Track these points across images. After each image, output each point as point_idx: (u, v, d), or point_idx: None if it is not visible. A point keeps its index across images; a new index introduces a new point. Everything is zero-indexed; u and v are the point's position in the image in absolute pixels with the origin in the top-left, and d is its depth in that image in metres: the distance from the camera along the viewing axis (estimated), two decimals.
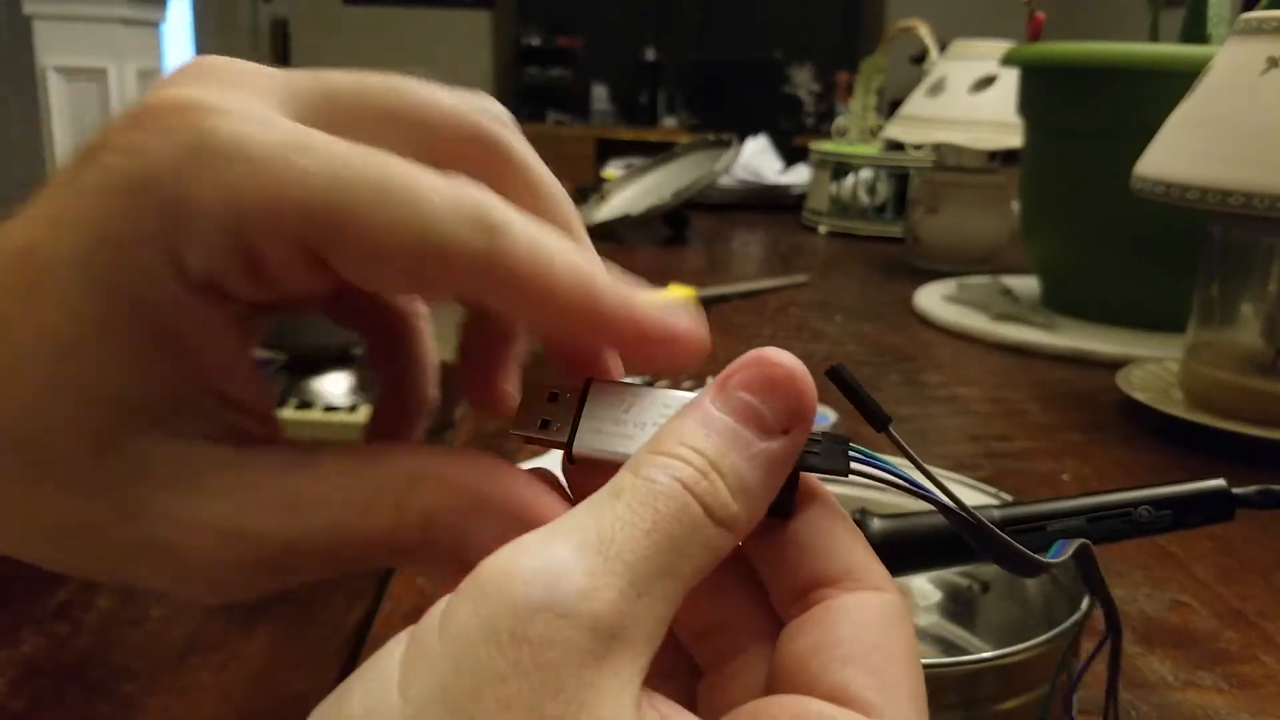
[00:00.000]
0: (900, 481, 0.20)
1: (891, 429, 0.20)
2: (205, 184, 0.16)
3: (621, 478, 0.17)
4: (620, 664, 0.15)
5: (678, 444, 0.17)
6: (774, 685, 0.18)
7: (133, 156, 0.16)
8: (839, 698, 0.16)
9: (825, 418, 0.58)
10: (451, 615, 0.15)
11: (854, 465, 0.19)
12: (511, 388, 0.22)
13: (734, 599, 0.19)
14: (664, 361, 0.19)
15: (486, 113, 0.20)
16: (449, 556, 0.18)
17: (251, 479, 0.18)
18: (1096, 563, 0.24)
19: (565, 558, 0.15)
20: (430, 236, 0.16)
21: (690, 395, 0.18)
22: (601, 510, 0.16)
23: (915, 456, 0.20)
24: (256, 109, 0.17)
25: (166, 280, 0.16)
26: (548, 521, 0.16)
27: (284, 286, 0.17)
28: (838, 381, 0.20)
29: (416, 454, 0.19)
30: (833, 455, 0.19)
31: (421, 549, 0.18)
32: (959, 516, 0.21)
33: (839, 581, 0.18)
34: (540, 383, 0.20)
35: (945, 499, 0.20)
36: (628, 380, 0.20)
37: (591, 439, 0.19)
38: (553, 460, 0.20)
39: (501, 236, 0.17)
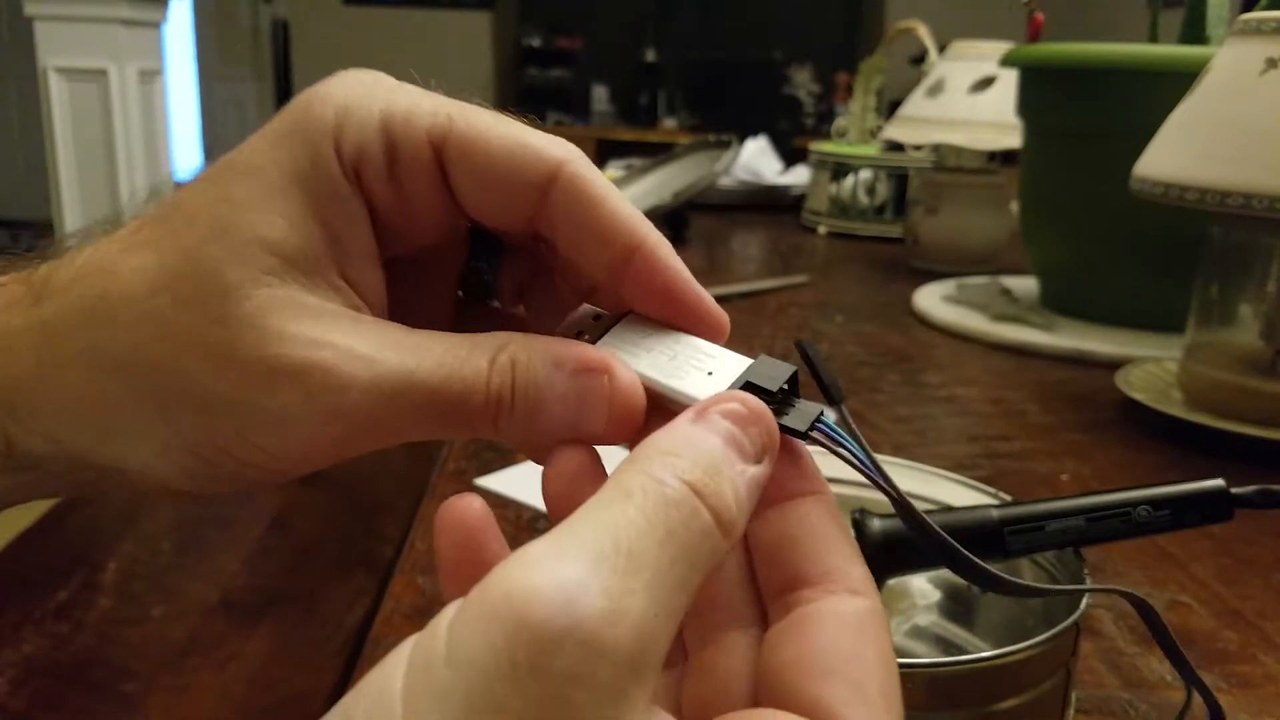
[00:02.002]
0: (855, 460, 0.20)
1: (844, 407, 0.21)
2: (368, 98, 0.21)
3: (629, 477, 0.16)
4: (641, 693, 0.14)
5: (681, 446, 0.17)
6: (757, 695, 0.18)
7: (318, 88, 0.21)
8: (816, 712, 0.17)
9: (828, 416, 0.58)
10: (460, 639, 0.14)
11: (815, 435, 0.20)
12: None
13: (718, 583, 0.20)
14: (681, 318, 0.22)
15: (557, 143, 0.22)
16: (527, 409, 0.20)
17: (374, 327, 0.21)
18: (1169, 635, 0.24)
19: (583, 575, 0.14)
20: (526, 140, 0.21)
21: (703, 342, 0.21)
22: (613, 514, 0.16)
23: (863, 441, 0.21)
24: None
25: (329, 161, 0.20)
26: (611, 370, 0.20)
27: (408, 197, 0.21)
28: (801, 354, 0.22)
29: (507, 332, 0.21)
30: (800, 419, 0.20)
31: (506, 401, 0.20)
32: (902, 507, 0.21)
33: (818, 582, 0.19)
34: (591, 307, 0.23)
35: (892, 491, 0.21)
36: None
37: (606, 348, 0.22)
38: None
39: (578, 163, 0.21)
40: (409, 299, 0.24)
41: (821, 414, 0.21)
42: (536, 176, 0.21)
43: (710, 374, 0.21)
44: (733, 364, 0.21)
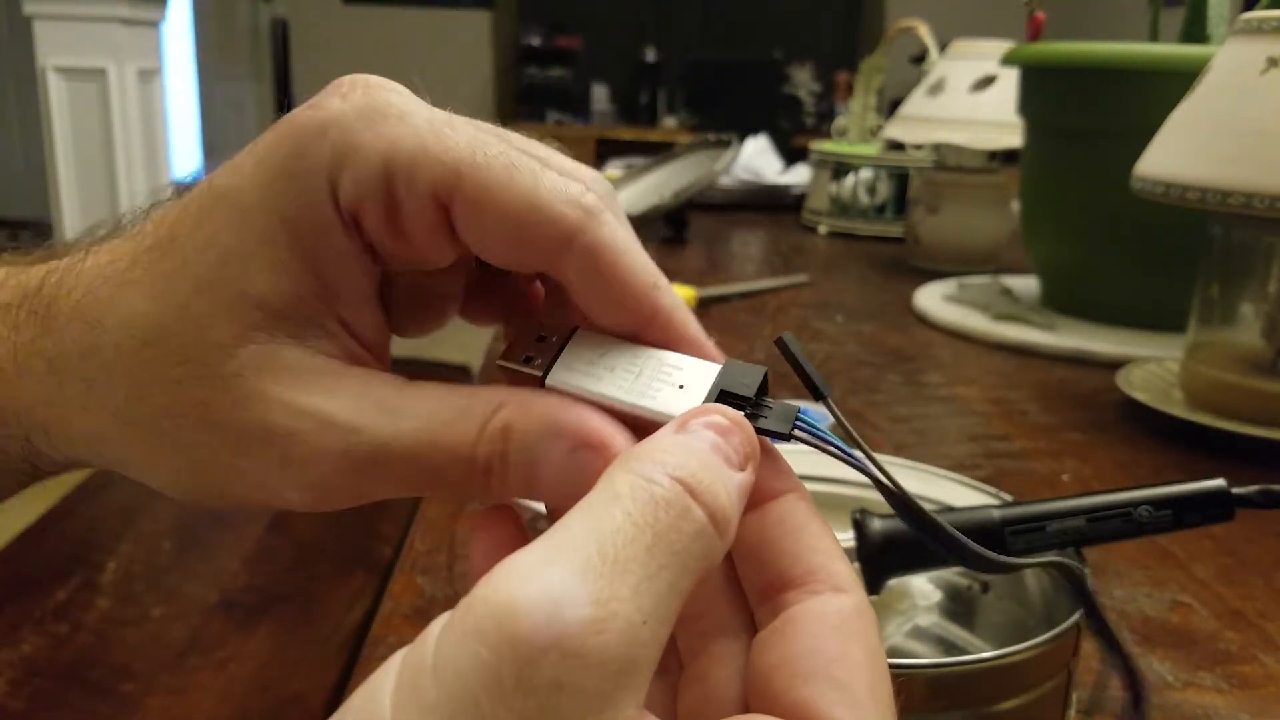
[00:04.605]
0: (837, 453, 0.20)
1: (830, 401, 0.21)
2: (369, 134, 0.19)
3: (618, 478, 0.16)
4: (629, 699, 0.14)
5: (670, 446, 0.17)
6: (747, 700, 0.18)
7: (315, 110, 0.20)
8: (802, 715, 0.17)
9: (822, 418, 0.58)
10: (447, 652, 0.14)
11: (798, 434, 0.20)
12: None
13: (706, 591, 0.20)
14: None
15: (574, 204, 0.21)
16: (521, 479, 0.20)
17: (357, 386, 0.20)
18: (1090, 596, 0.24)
19: (568, 584, 0.14)
20: (540, 203, 0.20)
21: (664, 353, 0.21)
22: (600, 520, 0.15)
23: (852, 430, 0.21)
24: (419, 100, 0.21)
25: (323, 205, 0.20)
26: (611, 449, 0.19)
27: (412, 242, 0.20)
28: (782, 351, 0.21)
29: (503, 388, 0.21)
30: (780, 420, 0.20)
31: (498, 469, 0.20)
32: (893, 495, 0.21)
33: (802, 583, 0.19)
34: (530, 323, 0.22)
35: (881, 476, 0.21)
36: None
37: (565, 375, 0.21)
38: None
39: (595, 218, 0.20)
40: (407, 324, 0.23)
41: (800, 412, 0.20)
42: (549, 244, 0.20)
43: (682, 387, 0.20)
44: (702, 373, 0.21)
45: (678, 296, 0.21)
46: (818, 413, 0.21)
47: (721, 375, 0.21)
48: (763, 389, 0.21)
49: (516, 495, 0.20)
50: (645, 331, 0.21)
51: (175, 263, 0.20)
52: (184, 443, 0.20)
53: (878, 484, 0.21)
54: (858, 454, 0.21)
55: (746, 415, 0.19)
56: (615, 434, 0.20)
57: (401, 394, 0.20)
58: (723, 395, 0.20)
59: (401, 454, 0.19)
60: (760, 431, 0.19)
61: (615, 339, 0.21)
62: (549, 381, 0.21)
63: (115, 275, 0.21)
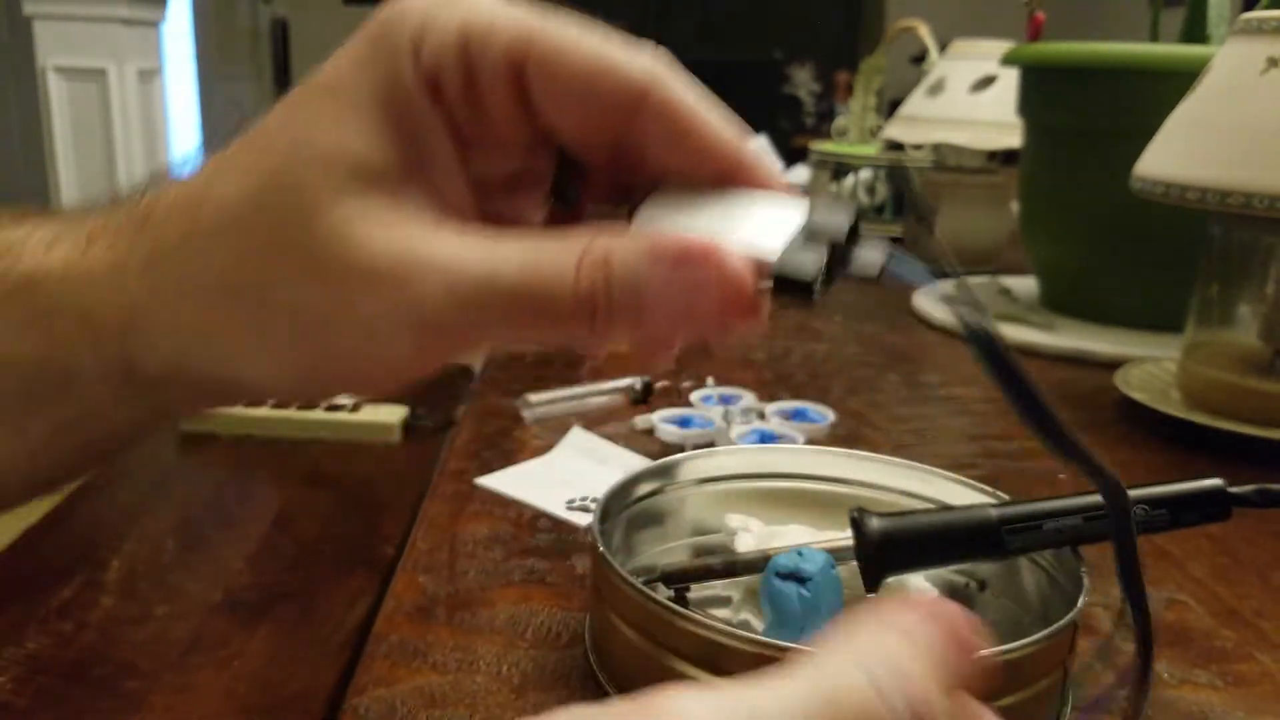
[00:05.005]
0: (924, 280, 0.20)
1: (934, 222, 0.21)
2: (447, 10, 0.21)
3: (816, 661, 0.15)
4: None
5: (882, 645, 0.16)
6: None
7: (398, 2, 0.22)
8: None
9: (824, 417, 0.58)
10: None
11: (890, 271, 0.20)
12: None
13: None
14: None
15: (644, 62, 0.22)
16: (626, 307, 0.20)
17: (456, 232, 0.21)
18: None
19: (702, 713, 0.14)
20: (611, 59, 0.21)
21: (751, 191, 0.20)
22: (766, 688, 0.14)
23: (949, 262, 0.21)
24: None
25: (407, 75, 0.21)
26: (715, 253, 0.19)
27: (489, 113, 0.21)
28: (898, 181, 0.22)
29: (598, 227, 0.21)
30: (871, 258, 0.20)
31: (602, 299, 0.20)
32: (979, 339, 0.21)
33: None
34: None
35: (977, 324, 0.21)
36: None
37: (654, 213, 0.21)
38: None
39: (666, 73, 0.21)
40: (496, 218, 0.23)
41: (891, 255, 0.20)
42: (623, 98, 0.21)
43: (771, 222, 0.20)
44: (791, 209, 0.20)
45: (761, 141, 0.22)
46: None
47: (813, 210, 0.20)
48: (854, 230, 0.20)
49: (623, 327, 0.20)
50: (732, 178, 0.21)
51: (266, 142, 0.21)
52: (286, 305, 0.20)
53: (968, 328, 0.21)
54: (951, 289, 0.20)
55: (839, 252, 0.19)
56: (718, 245, 0.20)
57: (500, 236, 0.21)
58: (811, 230, 0.20)
59: (506, 289, 0.20)
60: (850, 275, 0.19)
61: (699, 187, 0.21)
62: (639, 218, 0.21)
63: (207, 170, 0.21)
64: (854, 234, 0.20)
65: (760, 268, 0.19)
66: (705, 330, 0.21)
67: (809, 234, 0.20)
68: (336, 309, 0.20)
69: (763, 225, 0.20)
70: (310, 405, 0.63)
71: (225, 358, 0.21)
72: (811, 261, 0.19)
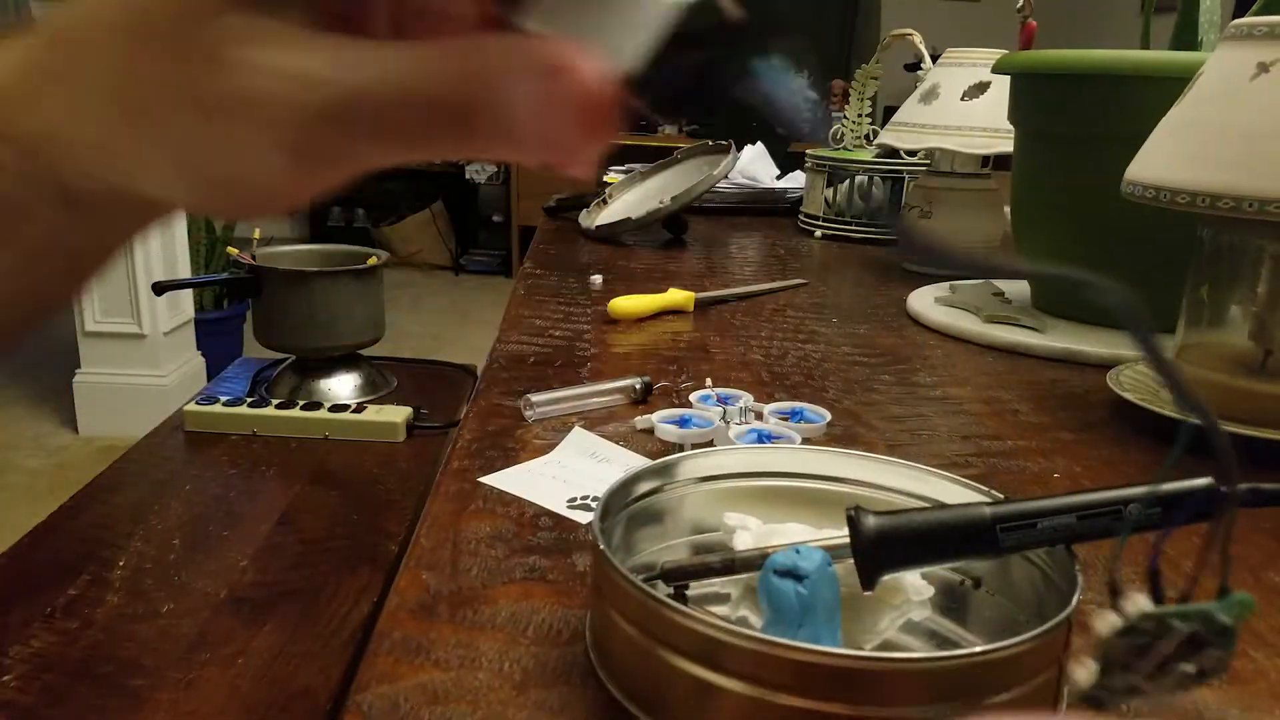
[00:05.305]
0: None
1: None
2: None
3: None
4: None
5: None
6: None
7: None
8: None
9: (820, 417, 0.59)
10: None
11: None
12: None
13: None
14: None
15: None
16: (501, 117, 0.19)
17: (334, 45, 0.20)
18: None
19: None
20: None
21: None
22: None
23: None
24: None
25: None
26: (577, 70, 0.18)
27: None
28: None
29: (479, 34, 0.21)
30: None
31: (478, 109, 0.19)
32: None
33: None
34: None
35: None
36: None
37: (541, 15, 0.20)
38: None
39: None
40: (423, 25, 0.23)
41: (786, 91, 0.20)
42: None
43: (644, 26, 0.19)
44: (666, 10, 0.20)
45: None
46: None
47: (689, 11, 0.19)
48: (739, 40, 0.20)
49: (499, 141, 0.20)
50: None
51: None
52: (171, 125, 0.20)
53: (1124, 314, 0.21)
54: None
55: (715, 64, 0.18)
56: (582, 60, 0.19)
57: (379, 47, 0.20)
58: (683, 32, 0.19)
59: (381, 99, 0.20)
60: None
61: None
62: (523, 18, 0.20)
63: None
64: (738, 45, 0.20)
65: (621, 80, 0.19)
66: (559, 148, 0.20)
67: (679, 39, 0.19)
68: (214, 132, 0.20)
69: (634, 29, 0.20)
70: (316, 405, 0.63)
71: (137, 173, 0.22)
72: (678, 72, 0.19)
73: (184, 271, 2.56)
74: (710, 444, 0.54)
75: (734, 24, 0.20)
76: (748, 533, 0.37)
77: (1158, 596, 0.24)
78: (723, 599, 0.36)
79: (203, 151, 0.21)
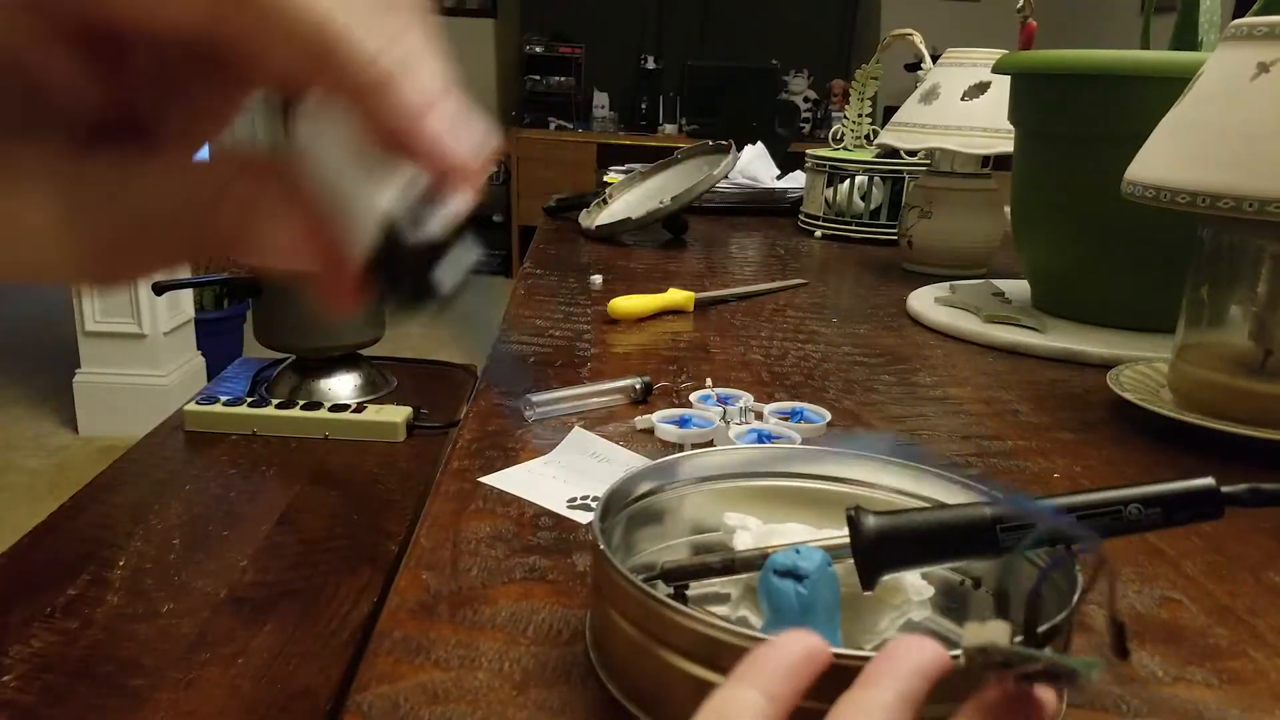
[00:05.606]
0: None
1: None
2: None
3: None
4: None
5: None
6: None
7: None
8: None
9: (820, 417, 0.59)
10: None
11: None
12: None
13: None
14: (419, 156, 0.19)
15: None
16: (256, 248, 0.19)
17: (82, 180, 0.19)
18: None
19: None
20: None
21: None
22: None
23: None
24: None
25: None
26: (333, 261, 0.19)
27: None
28: None
29: (242, 155, 0.20)
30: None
31: (242, 237, 0.19)
32: None
33: None
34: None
35: None
36: None
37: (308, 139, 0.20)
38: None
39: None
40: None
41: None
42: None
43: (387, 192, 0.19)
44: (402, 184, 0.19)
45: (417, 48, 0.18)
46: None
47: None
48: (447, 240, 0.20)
49: (250, 254, 0.20)
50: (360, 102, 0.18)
51: None
52: None
53: None
54: None
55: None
56: (332, 238, 0.19)
57: (132, 178, 0.20)
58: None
59: (152, 228, 0.20)
60: None
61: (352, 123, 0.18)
62: (293, 142, 0.20)
63: None
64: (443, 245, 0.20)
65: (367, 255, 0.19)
66: (318, 292, 0.21)
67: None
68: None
69: (380, 193, 0.19)
70: (316, 405, 0.63)
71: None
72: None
73: (184, 271, 2.56)
74: (710, 444, 0.54)
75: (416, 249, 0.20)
76: (748, 533, 0.37)
77: (1030, 625, 0.25)
78: (723, 599, 0.36)
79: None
